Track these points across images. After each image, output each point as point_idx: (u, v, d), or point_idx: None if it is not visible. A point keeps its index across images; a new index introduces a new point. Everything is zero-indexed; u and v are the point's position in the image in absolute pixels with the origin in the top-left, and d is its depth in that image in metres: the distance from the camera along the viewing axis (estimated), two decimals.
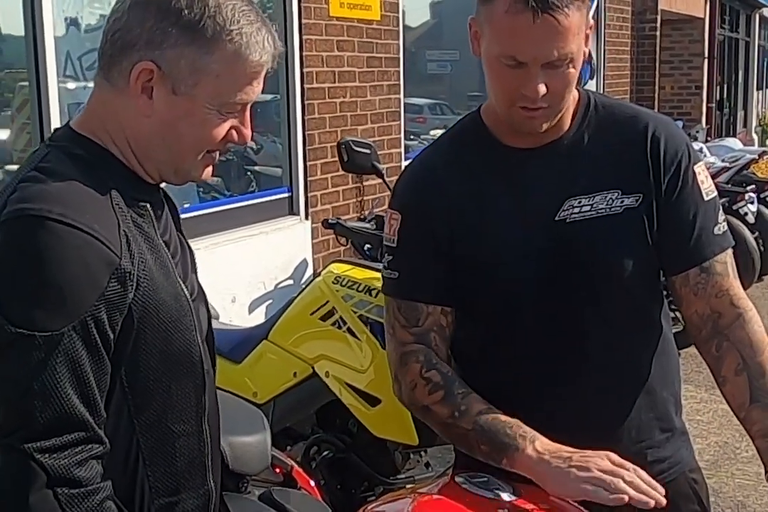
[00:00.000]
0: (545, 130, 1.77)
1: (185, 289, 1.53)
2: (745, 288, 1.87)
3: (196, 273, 1.66)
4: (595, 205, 1.78)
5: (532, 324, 1.82)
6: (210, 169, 1.56)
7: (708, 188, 1.83)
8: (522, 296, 1.81)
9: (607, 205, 1.78)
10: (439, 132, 8.29)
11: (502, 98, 1.74)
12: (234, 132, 1.51)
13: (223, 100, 1.47)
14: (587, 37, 1.71)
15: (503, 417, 1.70)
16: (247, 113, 1.52)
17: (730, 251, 1.84)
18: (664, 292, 1.92)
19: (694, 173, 1.81)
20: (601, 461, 1.57)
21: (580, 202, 1.78)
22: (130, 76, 1.45)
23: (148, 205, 1.53)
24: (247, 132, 1.53)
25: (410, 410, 1.85)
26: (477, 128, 1.85)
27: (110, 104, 1.49)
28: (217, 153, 1.55)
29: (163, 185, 1.60)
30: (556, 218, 1.78)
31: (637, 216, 1.79)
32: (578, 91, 1.85)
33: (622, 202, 1.78)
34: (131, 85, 1.45)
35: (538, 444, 1.63)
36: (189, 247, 1.68)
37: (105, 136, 1.50)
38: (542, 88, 1.67)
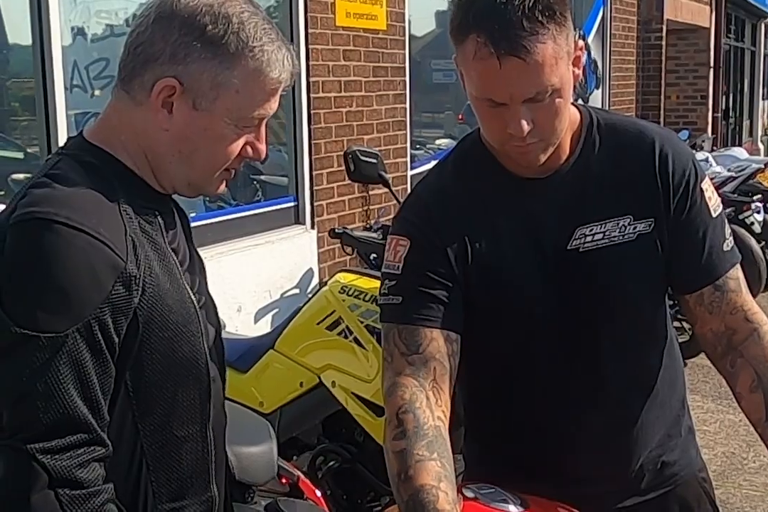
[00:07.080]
0: (545, 160, 1.72)
1: (193, 296, 1.54)
2: None
3: (206, 282, 1.66)
4: (607, 233, 1.74)
5: (549, 351, 1.79)
6: (224, 184, 1.58)
7: (715, 204, 1.81)
8: (539, 326, 1.77)
9: (620, 232, 1.75)
10: (444, 141, 8.24)
11: (493, 138, 1.70)
12: (249, 147, 1.53)
13: (241, 114, 1.49)
14: (577, 58, 1.65)
15: (440, 506, 1.50)
16: (263, 128, 1.55)
17: (738, 266, 1.83)
18: (669, 303, 1.91)
19: (701, 191, 1.79)
20: None
21: (591, 230, 1.74)
22: (151, 90, 1.47)
23: (157, 213, 1.54)
24: (262, 147, 1.55)
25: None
26: (481, 154, 1.79)
27: (127, 115, 1.51)
28: (233, 171, 1.56)
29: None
30: (569, 247, 1.74)
31: (650, 241, 1.76)
32: (579, 109, 1.81)
33: (635, 228, 1.75)
34: (152, 99, 1.47)
35: None
36: (199, 257, 1.69)
37: (118, 145, 1.52)
38: (526, 126, 1.61)
